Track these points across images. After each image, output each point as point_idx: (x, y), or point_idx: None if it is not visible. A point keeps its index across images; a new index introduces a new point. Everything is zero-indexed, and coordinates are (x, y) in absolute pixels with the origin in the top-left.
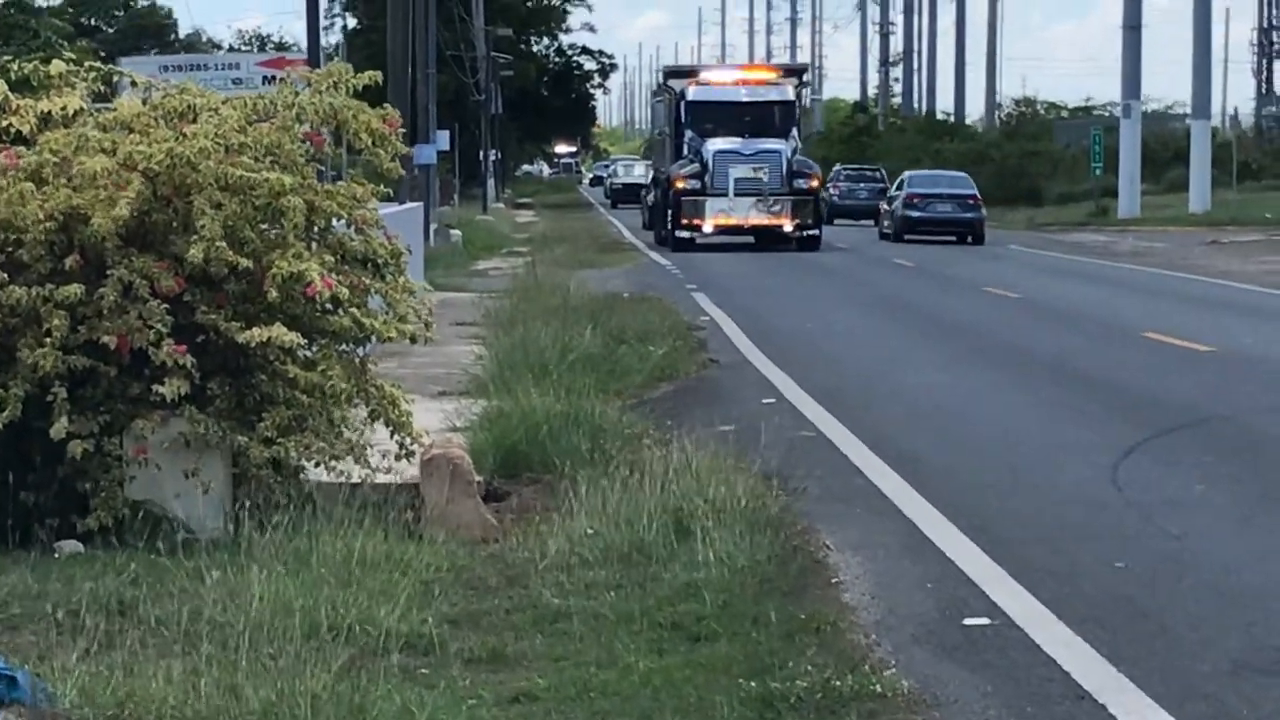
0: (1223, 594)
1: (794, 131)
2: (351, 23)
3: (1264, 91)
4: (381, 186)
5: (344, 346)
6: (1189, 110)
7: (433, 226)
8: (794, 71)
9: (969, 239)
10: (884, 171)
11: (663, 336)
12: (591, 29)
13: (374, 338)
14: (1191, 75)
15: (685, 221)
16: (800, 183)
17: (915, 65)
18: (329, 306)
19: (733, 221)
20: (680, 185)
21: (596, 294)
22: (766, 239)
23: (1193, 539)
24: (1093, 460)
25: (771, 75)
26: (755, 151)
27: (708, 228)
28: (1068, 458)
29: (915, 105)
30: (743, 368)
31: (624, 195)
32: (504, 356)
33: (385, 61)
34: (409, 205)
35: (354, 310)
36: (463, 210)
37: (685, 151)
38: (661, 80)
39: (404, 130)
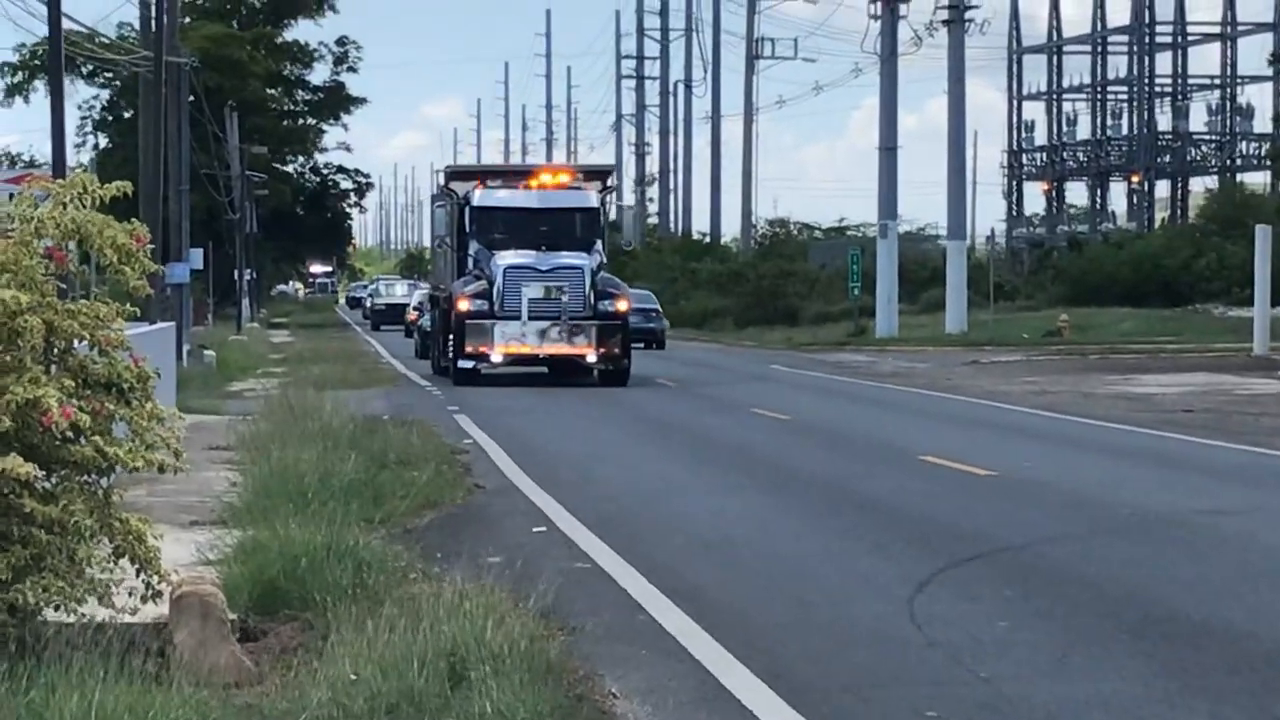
0: None
1: (598, 244)
2: (104, 142)
3: (1014, 213)
4: (128, 305)
5: (86, 477)
6: (941, 231)
7: (186, 347)
8: (598, 174)
9: (654, 345)
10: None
11: (425, 461)
12: (347, 148)
13: (119, 467)
14: (947, 197)
15: (470, 349)
16: (606, 305)
17: (671, 185)
18: (69, 435)
19: (526, 350)
20: (464, 307)
21: (356, 416)
22: (565, 370)
23: (1006, 683)
24: (887, 594)
25: (571, 178)
26: (552, 267)
27: (496, 357)
28: (861, 591)
29: (671, 225)
30: (510, 493)
31: (386, 317)
32: (260, 483)
33: (138, 178)
34: (160, 325)
35: (97, 439)
36: (217, 330)
37: (470, 266)
38: (442, 183)
39: (154, 247)
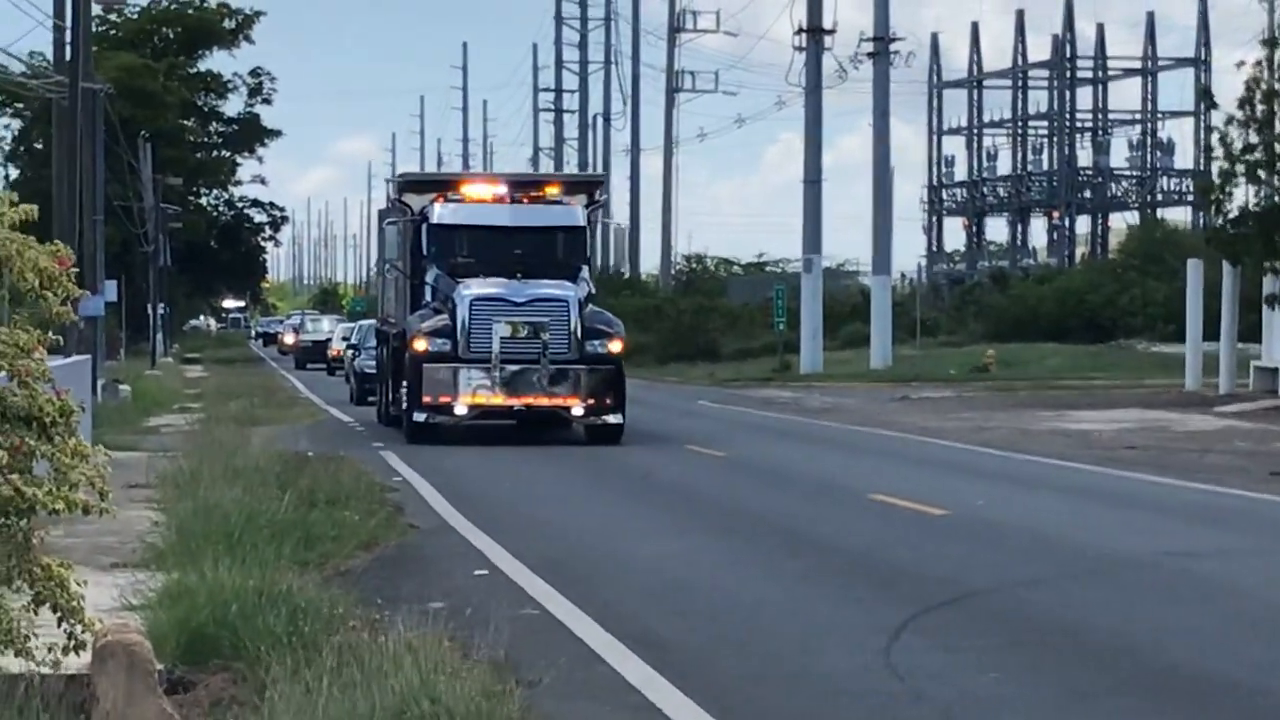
0: None
1: (585, 271)
2: (14, 174)
3: (935, 249)
4: (50, 334)
5: (4, 520)
6: (859, 267)
7: (100, 382)
8: (585, 185)
9: None
10: None
11: (356, 500)
12: (263, 181)
13: (39, 509)
14: (872, 231)
15: (427, 399)
16: (595, 345)
17: None
18: None
19: (497, 401)
20: (421, 347)
21: (279, 452)
22: (542, 423)
23: None
24: (861, 643)
25: (553, 190)
26: (530, 299)
27: (460, 409)
28: (832, 640)
29: None
30: (445, 534)
31: (312, 354)
32: (183, 523)
33: (51, 209)
34: (76, 358)
35: (15, 477)
36: (130, 365)
37: (428, 298)
38: (393, 195)
39: (77, 271)
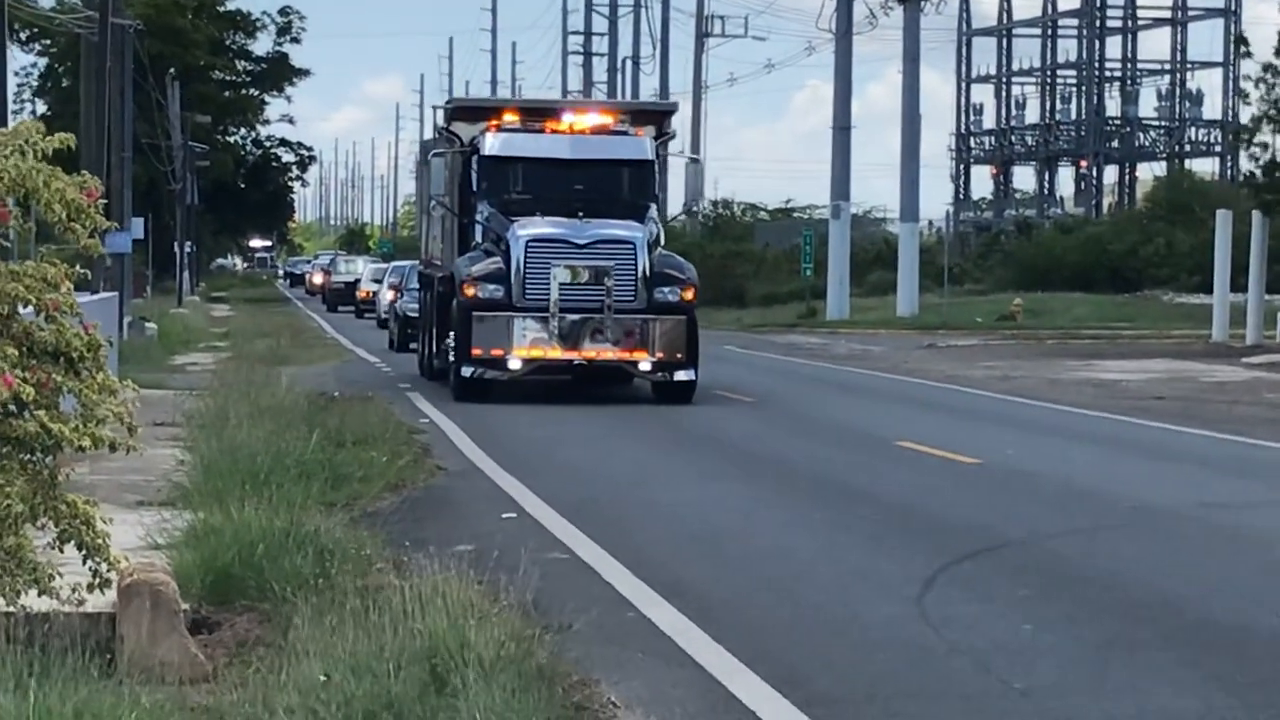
0: None
1: (653, 210)
2: (41, 108)
3: (961, 197)
4: (78, 268)
5: (29, 455)
6: (887, 214)
7: (126, 319)
8: (653, 115)
9: None
10: None
11: (383, 440)
12: (291, 121)
13: (65, 445)
14: (900, 179)
15: (478, 352)
16: (666, 293)
17: None
18: (12, 408)
19: (555, 354)
20: (471, 293)
21: (306, 392)
22: (605, 378)
23: (1044, 696)
24: (894, 592)
25: (617, 119)
26: (593, 241)
27: (514, 363)
28: (863, 589)
29: None
30: (473, 476)
31: (344, 296)
32: (210, 462)
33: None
34: (102, 295)
35: (41, 413)
36: (156, 303)
37: (479, 238)
38: (441, 124)
39: (105, 203)
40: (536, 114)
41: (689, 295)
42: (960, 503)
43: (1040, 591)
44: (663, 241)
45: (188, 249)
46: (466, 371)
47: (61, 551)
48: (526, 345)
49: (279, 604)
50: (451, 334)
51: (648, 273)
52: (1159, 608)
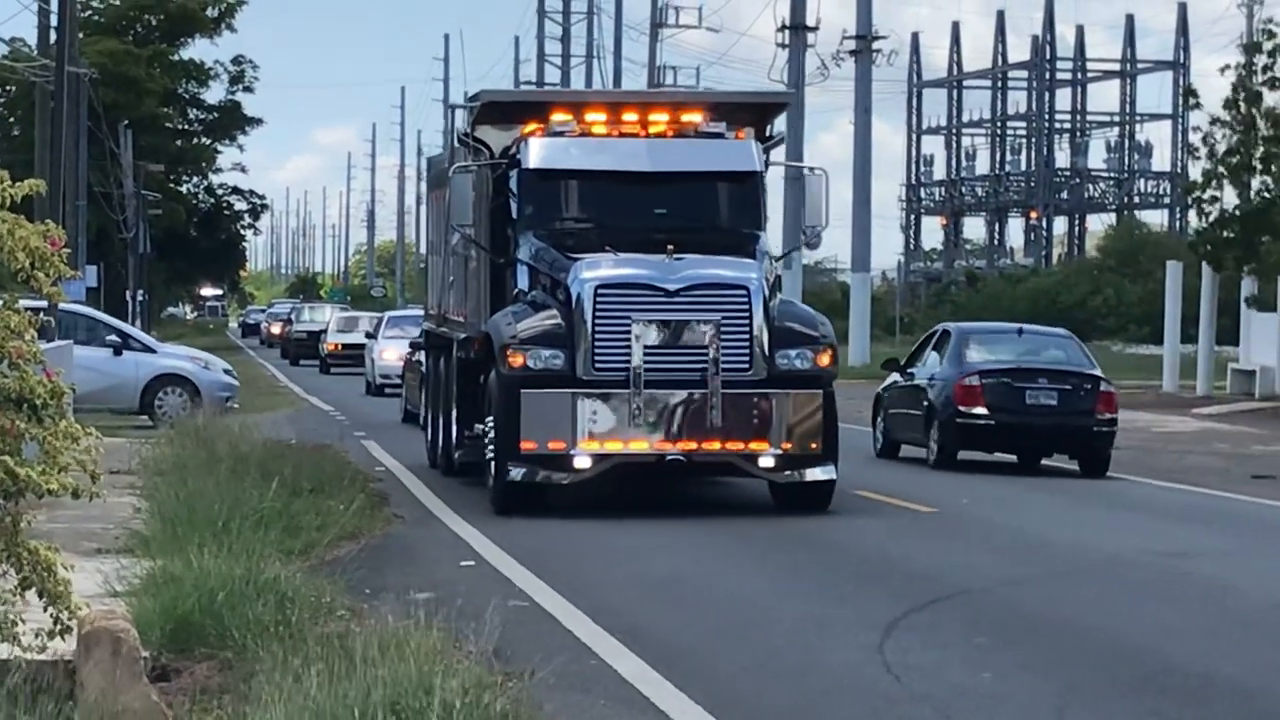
0: None
1: (763, 241)
2: None
3: (912, 248)
4: (41, 315)
5: None
6: (837, 264)
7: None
8: (755, 110)
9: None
10: None
11: (341, 489)
12: (243, 169)
13: (29, 491)
14: (852, 229)
15: (530, 446)
16: (792, 357)
17: None
18: None
19: (639, 446)
20: (519, 362)
21: (262, 440)
22: (708, 473)
23: None
24: (853, 639)
25: (708, 115)
26: (688, 285)
27: (582, 459)
28: (824, 636)
29: None
30: (430, 524)
31: (308, 348)
32: (167, 510)
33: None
34: (58, 343)
35: (5, 458)
36: None
37: (524, 284)
38: (466, 129)
39: (68, 251)
40: (597, 110)
41: (825, 360)
42: (917, 551)
43: (999, 640)
44: (782, 286)
45: (140, 297)
46: (515, 474)
47: (23, 599)
48: (598, 436)
49: (240, 651)
50: (489, 419)
51: (767, 329)
52: (1114, 654)
